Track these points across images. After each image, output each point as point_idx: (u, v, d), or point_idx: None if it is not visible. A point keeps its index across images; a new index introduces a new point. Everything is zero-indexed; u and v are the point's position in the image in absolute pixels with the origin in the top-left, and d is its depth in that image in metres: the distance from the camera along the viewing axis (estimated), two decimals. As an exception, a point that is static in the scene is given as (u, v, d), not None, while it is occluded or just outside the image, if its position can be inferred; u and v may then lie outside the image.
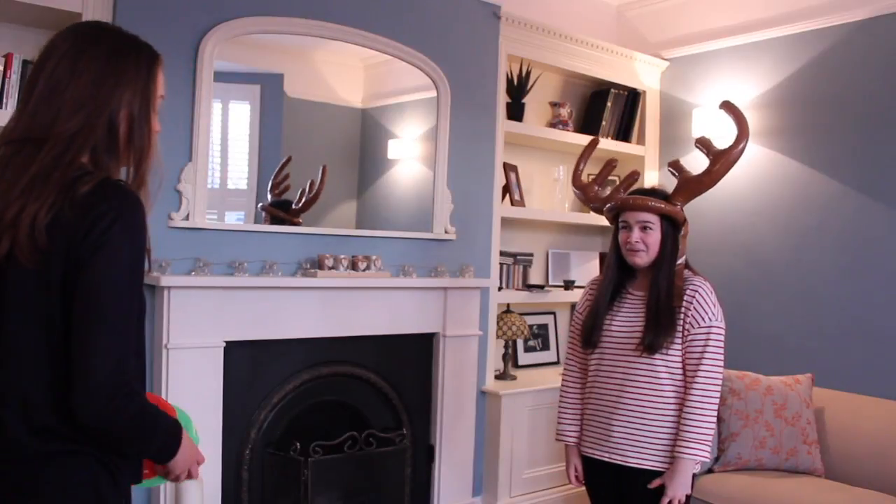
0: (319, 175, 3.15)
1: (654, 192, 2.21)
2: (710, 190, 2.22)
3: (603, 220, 3.92)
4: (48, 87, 1.18)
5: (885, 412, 3.05)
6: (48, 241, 1.14)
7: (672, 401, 2.08)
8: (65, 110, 1.17)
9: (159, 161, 1.29)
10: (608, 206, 2.26)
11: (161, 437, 1.27)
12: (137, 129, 1.24)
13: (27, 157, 1.16)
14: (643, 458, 2.10)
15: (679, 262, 2.13)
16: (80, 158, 1.18)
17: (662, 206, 2.12)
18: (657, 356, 2.08)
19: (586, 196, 2.38)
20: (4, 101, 2.42)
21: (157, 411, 1.26)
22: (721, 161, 2.15)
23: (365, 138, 3.40)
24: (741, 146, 2.14)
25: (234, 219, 3.08)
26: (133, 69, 1.23)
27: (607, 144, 4.05)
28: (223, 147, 3.01)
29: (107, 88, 1.20)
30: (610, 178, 2.52)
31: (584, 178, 2.45)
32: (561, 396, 2.35)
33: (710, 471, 3.03)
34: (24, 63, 2.45)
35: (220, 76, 2.82)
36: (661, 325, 2.07)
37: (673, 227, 2.14)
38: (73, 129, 1.17)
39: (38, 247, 1.14)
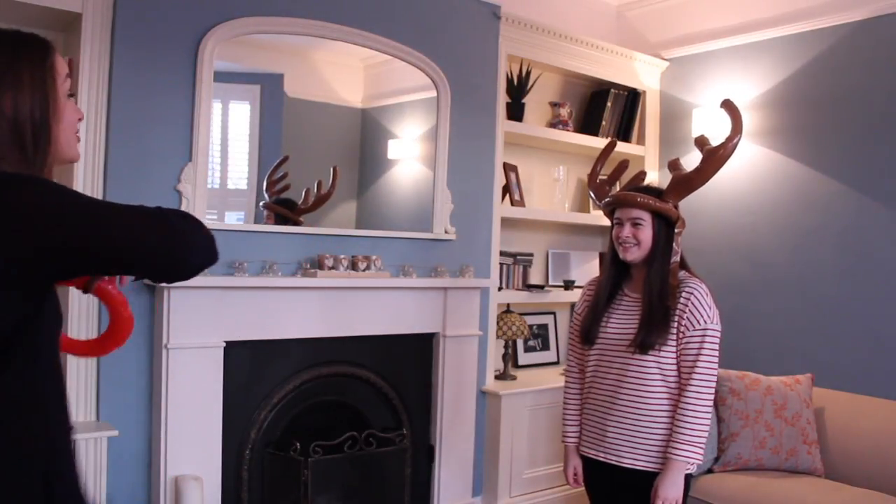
0: (330, 175, 3.16)
1: (647, 190, 2.21)
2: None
3: (603, 220, 3.93)
4: None
5: (885, 412, 3.05)
6: None
7: (665, 402, 2.08)
8: None
9: (76, 152, 1.18)
10: (604, 202, 2.27)
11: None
12: (50, 125, 1.12)
13: None
14: (637, 458, 2.10)
15: (673, 260, 2.13)
16: None
17: (651, 202, 2.12)
18: (649, 357, 2.08)
19: (598, 196, 2.38)
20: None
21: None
22: (710, 159, 2.15)
23: (365, 138, 3.40)
24: (731, 144, 2.13)
25: (234, 219, 3.08)
26: (26, 73, 1.10)
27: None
28: (223, 147, 3.01)
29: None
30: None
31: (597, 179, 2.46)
32: (564, 397, 2.36)
33: (709, 471, 3.03)
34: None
35: (220, 76, 2.82)
36: (653, 324, 2.07)
37: (667, 224, 2.14)
38: None
39: None
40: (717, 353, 2.07)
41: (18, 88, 1.08)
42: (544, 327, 4.22)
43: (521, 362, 4.06)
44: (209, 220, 2.81)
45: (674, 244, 2.13)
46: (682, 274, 2.16)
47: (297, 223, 3.08)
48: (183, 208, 2.72)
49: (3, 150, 1.07)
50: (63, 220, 1.01)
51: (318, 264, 3.00)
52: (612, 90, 4.23)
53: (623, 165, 2.46)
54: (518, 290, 3.91)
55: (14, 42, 1.11)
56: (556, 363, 4.21)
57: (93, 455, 2.52)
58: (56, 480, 1.06)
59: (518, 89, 3.82)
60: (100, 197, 2.53)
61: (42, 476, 1.04)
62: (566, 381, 2.36)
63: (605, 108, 4.22)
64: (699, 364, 2.04)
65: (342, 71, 3.33)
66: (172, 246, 1.07)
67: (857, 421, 3.07)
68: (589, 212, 4.28)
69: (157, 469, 2.67)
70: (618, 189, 2.35)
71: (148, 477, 2.72)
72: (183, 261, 1.09)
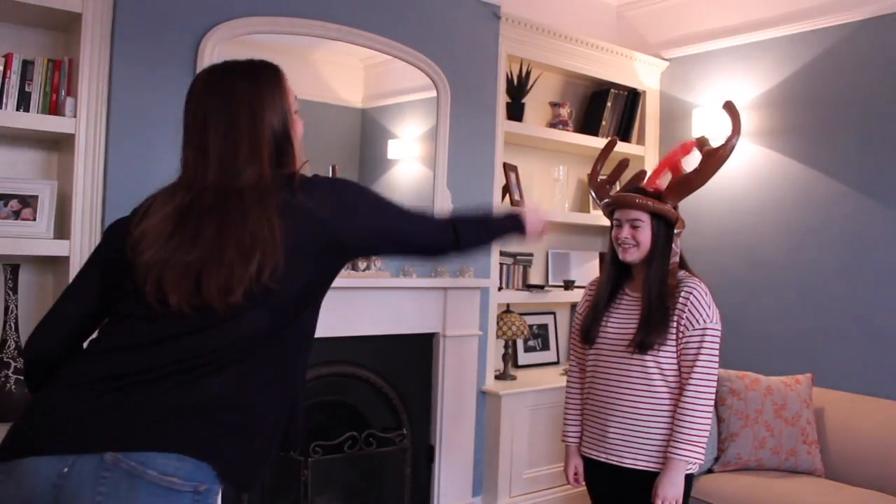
0: (330, 175, 3.16)
1: (646, 190, 2.21)
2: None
3: (603, 220, 3.93)
4: (221, 143, 1.32)
5: (885, 412, 3.05)
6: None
7: (666, 402, 2.08)
8: (242, 159, 1.31)
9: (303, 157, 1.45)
10: (603, 202, 2.27)
11: (494, 228, 1.57)
12: (292, 136, 1.39)
13: (231, 209, 1.28)
14: (638, 458, 2.10)
15: (672, 260, 2.13)
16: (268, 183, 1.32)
17: (650, 203, 2.12)
18: (649, 356, 2.08)
19: (599, 196, 2.38)
20: (4, 101, 2.41)
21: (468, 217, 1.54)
22: (710, 160, 2.15)
23: (365, 138, 3.40)
24: (730, 145, 2.13)
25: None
26: (269, 94, 1.37)
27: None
28: (223, 147, 3.00)
29: (261, 121, 1.34)
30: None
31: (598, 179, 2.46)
32: (565, 397, 2.36)
33: (710, 471, 3.03)
34: (24, 63, 2.44)
35: (220, 76, 2.82)
36: (653, 324, 2.07)
37: (666, 225, 2.14)
38: (257, 175, 1.31)
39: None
40: (717, 353, 2.07)
41: (267, 109, 1.34)
42: (544, 327, 4.22)
43: (521, 362, 4.06)
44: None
45: (673, 245, 2.13)
46: (682, 273, 2.16)
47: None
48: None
49: (270, 159, 1.31)
50: (378, 207, 1.39)
51: (318, 264, 3.00)
52: (612, 90, 4.23)
53: (623, 165, 2.46)
54: (518, 290, 3.91)
55: (257, 71, 1.40)
56: (556, 363, 4.21)
57: (93, 455, 2.52)
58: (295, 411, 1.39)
59: (518, 89, 3.82)
60: (100, 196, 2.55)
61: (290, 403, 1.37)
62: (568, 381, 2.36)
63: (605, 108, 4.22)
64: (699, 363, 2.04)
65: (342, 71, 3.33)
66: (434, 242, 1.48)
67: (857, 421, 3.07)
68: (589, 212, 4.28)
69: (157, 469, 2.66)
70: (618, 189, 2.35)
71: (148, 477, 2.71)
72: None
